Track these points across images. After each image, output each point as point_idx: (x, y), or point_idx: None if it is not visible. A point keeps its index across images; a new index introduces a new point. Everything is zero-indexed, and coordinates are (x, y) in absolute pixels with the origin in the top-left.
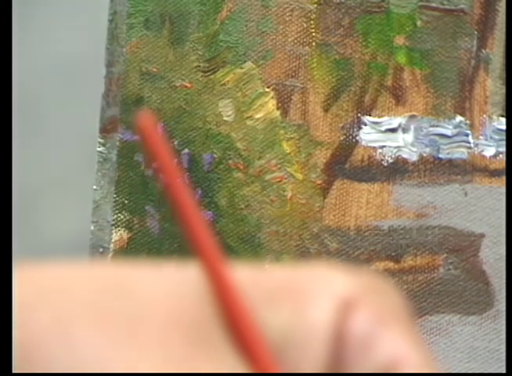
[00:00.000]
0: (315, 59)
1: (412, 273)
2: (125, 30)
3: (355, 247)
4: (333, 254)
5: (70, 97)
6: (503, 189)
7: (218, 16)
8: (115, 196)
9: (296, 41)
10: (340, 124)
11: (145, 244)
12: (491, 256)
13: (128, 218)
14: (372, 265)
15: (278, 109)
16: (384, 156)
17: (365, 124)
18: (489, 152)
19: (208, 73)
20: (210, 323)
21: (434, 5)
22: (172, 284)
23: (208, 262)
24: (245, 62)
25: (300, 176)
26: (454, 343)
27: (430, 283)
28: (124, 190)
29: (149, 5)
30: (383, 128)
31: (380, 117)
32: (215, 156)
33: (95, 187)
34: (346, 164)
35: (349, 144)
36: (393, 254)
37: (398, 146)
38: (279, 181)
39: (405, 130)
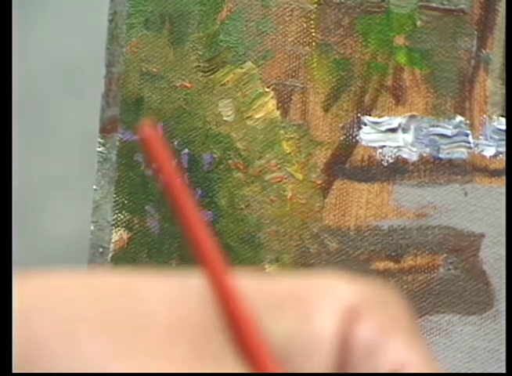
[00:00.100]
0: (315, 59)
1: (412, 273)
2: (125, 30)
3: (355, 247)
4: (333, 254)
5: (70, 97)
6: (503, 189)
7: (218, 16)
8: (115, 196)
9: (296, 41)
10: (340, 124)
11: (145, 244)
12: (491, 256)
13: (127, 218)
14: (372, 265)
15: (278, 109)
16: (384, 156)
17: (365, 124)
18: (489, 152)
19: (208, 73)
20: (213, 330)
21: (434, 5)
22: (175, 292)
23: (210, 270)
24: (245, 62)
25: (300, 176)
26: (454, 343)
27: (430, 283)
28: (124, 190)
29: (149, 5)
30: (383, 128)
31: (380, 117)
32: (215, 156)
33: (95, 187)
34: (346, 164)
35: (349, 144)
36: (393, 254)
37: (398, 146)
38: (279, 181)
39: (405, 130)
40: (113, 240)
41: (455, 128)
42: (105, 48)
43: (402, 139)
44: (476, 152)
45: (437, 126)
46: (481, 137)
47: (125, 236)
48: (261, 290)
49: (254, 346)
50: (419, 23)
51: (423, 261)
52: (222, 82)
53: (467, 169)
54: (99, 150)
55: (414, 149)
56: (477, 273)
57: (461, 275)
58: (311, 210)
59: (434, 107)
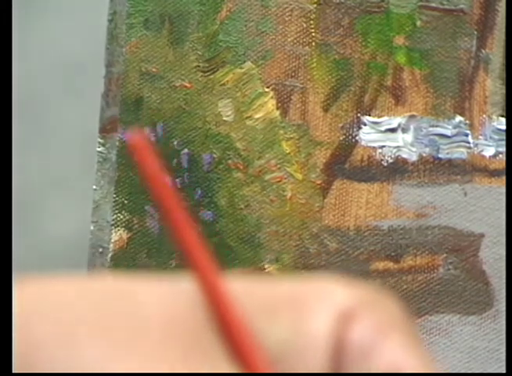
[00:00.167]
0: (314, 59)
1: (412, 273)
2: (125, 30)
3: (354, 247)
4: (332, 254)
5: (70, 97)
6: (503, 189)
7: (218, 16)
8: (115, 196)
9: (296, 41)
10: (340, 124)
11: (144, 244)
12: (491, 256)
13: (127, 218)
14: (371, 265)
15: (277, 109)
16: (384, 156)
17: (365, 124)
18: (489, 152)
19: (208, 73)
20: (205, 333)
21: (433, 5)
22: (166, 296)
23: (200, 273)
24: (245, 62)
25: (299, 176)
26: (454, 343)
27: (430, 283)
28: (124, 190)
29: (148, 5)
30: (382, 128)
31: (379, 117)
32: (215, 156)
33: (94, 187)
34: (346, 164)
35: (349, 144)
36: (392, 254)
37: (398, 146)
38: (279, 181)
39: (404, 130)
40: (112, 240)
41: (454, 128)
42: (104, 48)
43: (401, 139)
44: (476, 152)
45: (436, 126)
46: (480, 137)
47: (125, 236)
48: (257, 293)
49: (244, 346)
50: (418, 23)
51: (422, 261)
52: (222, 82)
53: (467, 169)
54: (98, 150)
55: (414, 149)
56: (477, 273)
57: (461, 275)
58: (311, 210)
59: (433, 107)
